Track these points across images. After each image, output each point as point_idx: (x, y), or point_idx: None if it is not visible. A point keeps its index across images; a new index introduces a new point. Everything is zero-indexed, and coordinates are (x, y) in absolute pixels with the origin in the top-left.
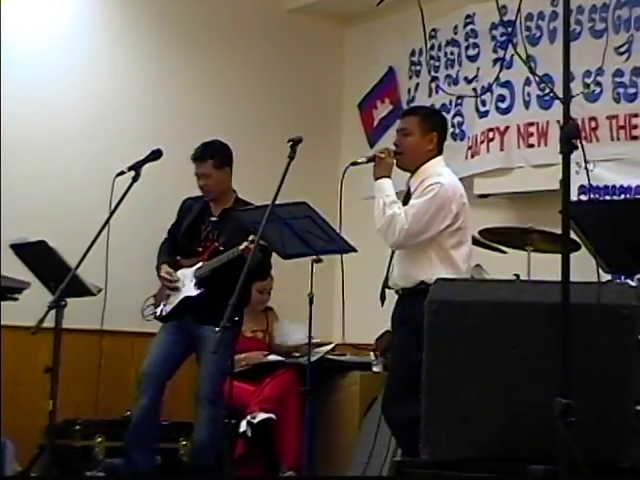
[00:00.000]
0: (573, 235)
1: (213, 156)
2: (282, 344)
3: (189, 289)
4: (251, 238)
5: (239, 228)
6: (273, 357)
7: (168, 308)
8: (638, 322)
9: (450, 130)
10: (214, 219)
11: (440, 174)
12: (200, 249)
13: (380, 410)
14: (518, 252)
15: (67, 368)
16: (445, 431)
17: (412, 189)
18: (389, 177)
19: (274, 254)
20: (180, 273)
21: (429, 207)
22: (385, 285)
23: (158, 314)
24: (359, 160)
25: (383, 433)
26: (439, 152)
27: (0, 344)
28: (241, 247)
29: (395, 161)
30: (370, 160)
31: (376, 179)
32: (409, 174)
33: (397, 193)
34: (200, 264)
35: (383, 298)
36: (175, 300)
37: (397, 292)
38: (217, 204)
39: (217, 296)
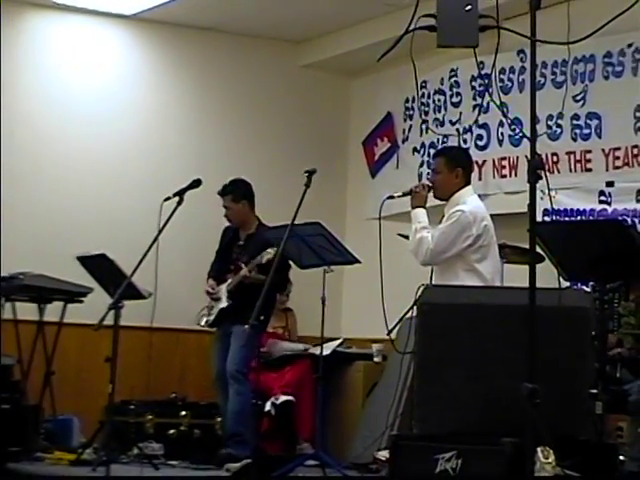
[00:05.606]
0: (539, 249)
1: (232, 192)
2: None
3: (223, 301)
4: (248, 267)
5: (258, 250)
6: (293, 346)
7: (212, 318)
8: (592, 321)
9: None
10: (241, 243)
11: (465, 202)
12: (232, 267)
13: (380, 392)
14: None
15: (123, 358)
16: (433, 410)
17: (445, 215)
18: (423, 207)
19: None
20: (220, 287)
21: (451, 231)
22: None
23: (205, 322)
24: (395, 195)
25: (382, 412)
26: (467, 182)
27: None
28: (242, 273)
29: (431, 193)
30: (406, 194)
31: (412, 208)
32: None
33: None
34: (229, 280)
35: None
36: (215, 311)
37: None
38: (243, 230)
39: (244, 303)
